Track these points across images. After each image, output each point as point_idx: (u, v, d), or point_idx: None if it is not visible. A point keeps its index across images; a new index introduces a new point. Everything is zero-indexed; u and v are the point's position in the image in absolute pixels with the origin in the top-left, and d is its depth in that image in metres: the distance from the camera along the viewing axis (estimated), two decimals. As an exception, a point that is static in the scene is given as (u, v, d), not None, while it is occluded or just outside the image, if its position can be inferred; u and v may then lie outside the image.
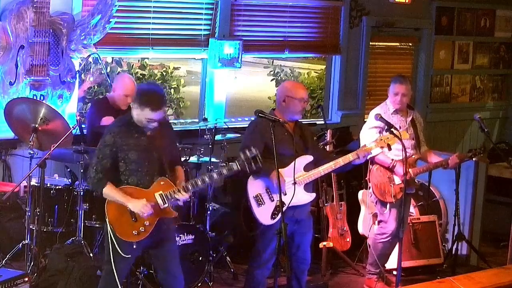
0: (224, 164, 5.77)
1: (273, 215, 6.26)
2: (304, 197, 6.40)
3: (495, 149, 8.69)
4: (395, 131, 6.60)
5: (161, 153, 5.70)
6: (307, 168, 6.39)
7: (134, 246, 5.65)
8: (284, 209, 6.02)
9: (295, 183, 6.24)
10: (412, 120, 7.39)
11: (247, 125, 6.67)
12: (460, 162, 7.50)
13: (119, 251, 5.60)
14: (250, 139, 6.34)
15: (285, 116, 6.42)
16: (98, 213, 6.84)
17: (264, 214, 6.27)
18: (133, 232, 5.62)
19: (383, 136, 6.66)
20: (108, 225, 5.65)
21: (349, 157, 6.46)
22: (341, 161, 6.44)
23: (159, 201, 5.63)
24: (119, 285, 5.63)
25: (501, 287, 6.38)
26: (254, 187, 6.30)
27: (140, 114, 5.59)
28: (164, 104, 5.67)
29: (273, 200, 6.27)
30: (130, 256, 5.67)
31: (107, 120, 7.14)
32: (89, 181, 5.72)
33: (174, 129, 8.39)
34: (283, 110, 6.43)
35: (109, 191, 5.61)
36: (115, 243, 5.61)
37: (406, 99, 7.33)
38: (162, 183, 5.67)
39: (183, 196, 5.67)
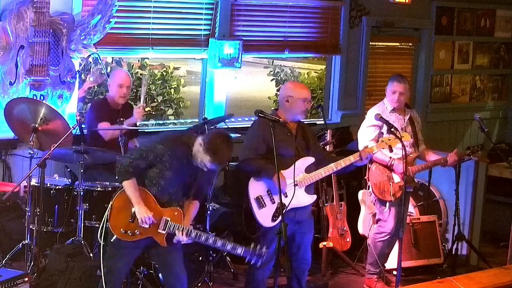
0: (232, 243, 5.74)
1: (274, 217, 6.26)
2: (305, 199, 6.40)
3: (495, 149, 8.70)
4: (396, 132, 6.60)
5: (193, 186, 5.74)
6: (309, 169, 6.39)
7: (113, 239, 5.64)
8: (285, 211, 6.02)
9: (296, 184, 6.24)
10: (410, 119, 7.40)
11: (247, 125, 6.67)
12: (458, 160, 7.51)
13: (113, 240, 5.63)
14: (252, 140, 6.34)
15: (288, 117, 6.41)
16: (98, 213, 6.83)
17: (265, 216, 6.27)
18: (122, 229, 5.64)
19: (384, 138, 6.67)
20: (107, 210, 5.67)
21: (351, 158, 6.45)
22: (342, 162, 6.44)
23: (161, 225, 5.65)
24: (120, 284, 5.63)
25: (501, 287, 6.38)
26: (255, 189, 6.29)
27: (200, 156, 5.57)
28: (227, 161, 5.63)
29: (274, 202, 6.26)
30: (123, 250, 5.67)
31: (104, 127, 7.15)
32: (118, 167, 5.66)
33: (174, 129, 8.47)
34: (286, 110, 6.43)
35: (129, 185, 5.62)
36: (106, 226, 5.66)
37: (404, 98, 7.34)
38: (175, 213, 5.69)
39: (182, 238, 5.67)
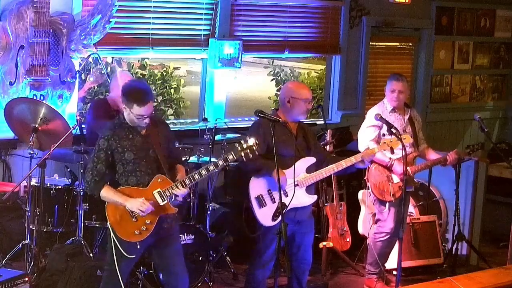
0: (222, 158, 5.74)
1: (274, 217, 6.25)
2: (305, 199, 6.40)
3: (495, 149, 8.69)
4: (396, 133, 6.60)
5: (158, 151, 5.69)
6: (310, 169, 6.39)
7: (138, 246, 5.64)
8: (285, 210, 6.01)
9: (296, 185, 6.24)
10: (410, 118, 7.40)
11: (247, 125, 6.67)
12: (458, 159, 7.51)
13: (123, 252, 5.60)
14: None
15: (289, 117, 6.41)
16: (98, 213, 6.84)
17: (265, 215, 6.27)
18: (135, 231, 5.62)
19: (386, 139, 6.66)
20: (110, 228, 5.65)
21: (352, 159, 6.45)
22: (343, 163, 6.44)
23: (158, 198, 5.63)
24: (122, 286, 5.63)
25: (501, 287, 6.38)
26: (256, 188, 6.29)
27: (130, 113, 5.59)
28: (150, 97, 5.62)
29: (274, 202, 6.26)
30: (134, 256, 5.67)
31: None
32: (86, 185, 5.72)
33: (174, 129, 8.45)
34: (287, 110, 6.42)
35: (106, 193, 5.62)
36: (118, 245, 5.61)
37: (403, 97, 7.34)
38: (159, 180, 5.66)
39: (181, 191, 5.65)
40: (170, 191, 5.64)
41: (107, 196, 5.63)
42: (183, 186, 5.66)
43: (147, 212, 5.57)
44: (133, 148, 5.63)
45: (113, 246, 5.62)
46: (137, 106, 5.54)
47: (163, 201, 5.64)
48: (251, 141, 5.69)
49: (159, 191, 5.64)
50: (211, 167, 5.70)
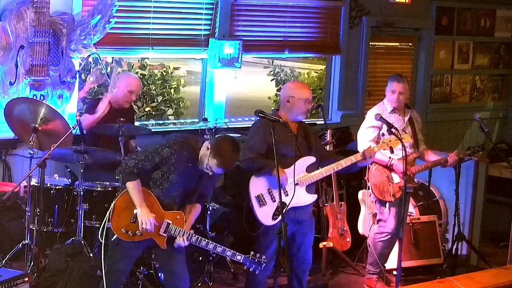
0: (231, 250, 5.77)
1: (274, 216, 6.26)
2: (305, 198, 6.40)
3: (495, 149, 8.69)
4: (396, 132, 6.60)
5: (196, 189, 5.73)
6: (310, 169, 6.39)
7: (118, 240, 5.64)
8: (285, 210, 6.02)
9: (296, 184, 6.24)
10: (410, 119, 7.40)
11: (247, 125, 6.67)
12: (459, 160, 7.51)
13: (106, 235, 5.63)
14: (253, 139, 6.34)
15: (289, 117, 6.42)
16: (98, 213, 6.84)
17: (265, 214, 6.27)
18: (123, 229, 5.64)
19: (385, 139, 6.67)
20: (109, 210, 5.66)
21: (352, 158, 6.46)
22: (343, 162, 6.44)
23: (163, 227, 5.65)
24: (121, 285, 5.62)
25: (501, 287, 6.38)
26: (256, 187, 6.30)
27: (206, 160, 5.55)
28: (233, 166, 5.63)
29: (274, 201, 6.26)
30: (109, 244, 5.67)
31: (84, 119, 7.14)
32: (123, 168, 5.64)
33: (174, 129, 8.47)
34: (287, 110, 6.43)
35: (133, 187, 5.60)
36: (106, 226, 5.65)
37: (403, 97, 7.34)
38: (177, 217, 5.69)
39: (181, 241, 5.67)
40: (176, 233, 5.66)
41: (131, 189, 5.61)
42: (187, 239, 5.67)
43: (146, 228, 5.58)
44: (182, 175, 5.64)
45: (104, 225, 5.64)
46: (216, 165, 5.52)
47: (164, 233, 5.66)
48: (258, 257, 5.72)
49: (169, 223, 5.65)
50: (218, 249, 5.72)
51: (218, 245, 5.73)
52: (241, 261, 5.71)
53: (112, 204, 5.69)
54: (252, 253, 5.71)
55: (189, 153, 5.63)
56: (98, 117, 7.29)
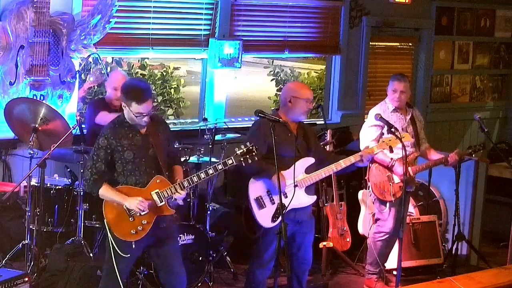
0: (221, 163, 5.75)
1: (274, 218, 6.25)
2: (305, 200, 6.39)
3: (495, 149, 8.69)
4: (396, 132, 6.60)
5: (157, 151, 5.68)
6: (310, 169, 6.39)
7: (133, 246, 5.64)
8: (284, 211, 6.01)
9: (295, 185, 6.24)
10: (411, 118, 7.40)
11: (247, 125, 6.67)
12: (460, 159, 7.52)
13: (118, 251, 5.60)
14: (253, 139, 6.33)
15: (290, 117, 6.41)
16: (98, 213, 6.81)
17: (265, 216, 6.27)
18: (131, 231, 5.62)
19: (385, 138, 6.67)
20: (106, 226, 5.65)
21: (351, 159, 6.45)
22: (342, 163, 6.44)
23: (156, 199, 5.62)
24: (121, 285, 5.63)
25: (501, 287, 6.38)
26: (255, 189, 6.29)
27: (129, 111, 5.58)
28: (149, 95, 5.61)
29: (274, 203, 6.26)
30: (129, 255, 5.66)
31: (102, 117, 7.15)
32: (85, 183, 5.72)
33: (174, 129, 8.46)
34: (288, 110, 6.42)
35: (105, 192, 5.61)
36: (114, 243, 5.61)
37: (405, 97, 7.34)
38: (158, 181, 5.66)
39: (179, 194, 5.65)
40: (169, 193, 5.64)
41: (105, 195, 5.62)
42: (181, 189, 5.66)
43: (145, 210, 5.57)
44: (133, 148, 5.63)
45: (110, 244, 5.63)
46: (135, 104, 5.54)
47: (161, 202, 5.63)
48: (251, 146, 5.69)
49: (157, 191, 5.63)
50: (210, 171, 5.70)
51: (208, 168, 5.70)
52: (234, 161, 5.68)
53: (105, 222, 5.67)
54: (236, 149, 5.69)
55: (119, 126, 5.64)
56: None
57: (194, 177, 5.70)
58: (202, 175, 5.70)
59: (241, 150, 5.69)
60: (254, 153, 5.70)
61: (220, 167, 5.71)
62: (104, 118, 7.10)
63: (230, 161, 5.70)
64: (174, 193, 5.64)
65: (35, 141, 6.84)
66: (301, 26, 9.55)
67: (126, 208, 5.59)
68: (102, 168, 5.61)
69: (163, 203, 5.64)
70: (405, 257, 7.43)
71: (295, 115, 6.42)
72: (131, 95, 5.57)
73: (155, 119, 5.75)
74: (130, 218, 5.62)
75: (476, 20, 11.39)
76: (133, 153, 5.63)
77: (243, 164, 5.72)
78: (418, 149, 7.39)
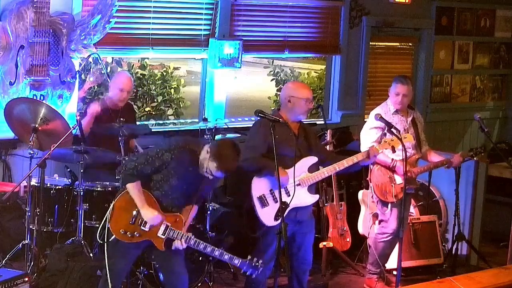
0: (229, 254, 5.77)
1: (276, 217, 6.25)
2: (307, 199, 6.40)
3: (495, 149, 8.69)
4: (397, 133, 6.60)
5: (196, 193, 5.73)
6: (312, 169, 6.39)
7: (117, 240, 5.63)
8: (287, 210, 6.02)
9: (297, 184, 6.24)
10: (412, 120, 7.40)
11: (247, 125, 6.67)
12: (463, 161, 7.53)
13: (104, 235, 5.62)
14: (253, 139, 6.34)
15: (290, 117, 6.41)
16: (98, 213, 6.84)
17: (267, 215, 6.27)
18: (121, 230, 5.63)
19: (387, 139, 6.67)
20: (109, 210, 5.65)
21: (354, 158, 6.46)
22: (345, 162, 6.44)
23: (161, 229, 5.65)
24: (110, 285, 5.62)
25: (501, 287, 6.38)
26: (258, 188, 6.30)
27: (206, 163, 5.54)
28: (233, 169, 5.59)
29: (276, 202, 6.26)
30: (108, 244, 5.64)
31: (93, 108, 7.13)
32: (123, 170, 5.65)
33: (174, 129, 8.46)
34: (288, 110, 6.42)
35: (133, 188, 5.60)
36: (105, 227, 5.64)
37: (407, 100, 7.34)
38: (177, 219, 5.70)
39: (179, 244, 5.67)
40: (174, 235, 5.66)
41: (132, 190, 5.60)
42: (185, 242, 5.68)
43: (151, 227, 5.59)
44: (183, 180, 5.63)
45: (104, 244, 5.64)
46: (216, 168, 5.48)
47: (162, 235, 5.66)
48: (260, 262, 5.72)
49: (168, 225, 5.65)
50: (216, 253, 5.71)
51: (216, 249, 5.72)
52: (238, 266, 5.72)
53: (112, 204, 5.69)
54: (249, 257, 5.71)
55: (189, 157, 5.62)
56: (88, 121, 7.24)
57: (201, 245, 5.70)
58: (209, 249, 5.69)
59: (251, 263, 5.69)
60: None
61: (226, 257, 5.71)
62: (86, 119, 7.13)
63: (236, 261, 5.71)
64: (177, 241, 5.66)
65: (35, 141, 6.84)
66: (301, 26, 9.54)
67: (136, 212, 5.60)
68: (147, 172, 5.61)
69: (163, 237, 5.66)
70: (405, 257, 7.43)
71: (294, 115, 6.42)
72: (221, 159, 5.48)
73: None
74: (131, 221, 5.62)
75: (476, 20, 11.39)
76: (179, 183, 5.64)
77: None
78: (419, 151, 7.39)
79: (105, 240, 5.66)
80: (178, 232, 5.65)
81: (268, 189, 6.29)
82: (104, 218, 5.67)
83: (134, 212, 5.61)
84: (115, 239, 5.66)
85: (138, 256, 5.96)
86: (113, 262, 5.69)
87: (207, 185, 5.81)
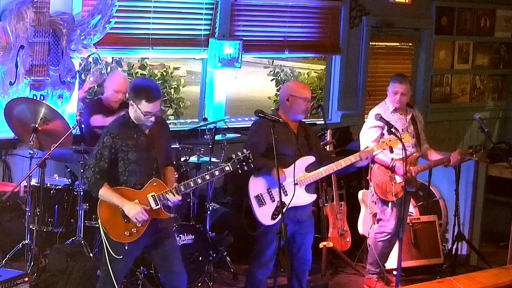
0: (218, 169, 5.76)
1: (273, 216, 6.26)
2: (305, 198, 6.40)
3: (495, 149, 8.69)
4: (396, 132, 6.60)
5: (158, 152, 5.69)
6: (310, 168, 6.39)
7: (126, 247, 5.60)
8: (285, 209, 6.02)
9: (296, 183, 6.25)
10: (412, 118, 7.40)
11: (247, 125, 6.67)
12: (461, 159, 7.52)
13: (111, 252, 5.58)
14: (253, 139, 6.34)
15: (289, 116, 6.41)
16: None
17: (265, 214, 6.27)
18: (125, 233, 5.60)
19: (385, 138, 6.67)
20: (100, 226, 5.63)
21: (351, 158, 6.46)
22: (342, 162, 6.44)
23: (152, 202, 5.61)
24: (116, 285, 5.61)
25: (501, 287, 6.38)
26: (256, 187, 6.30)
27: (137, 109, 5.56)
28: (159, 95, 5.63)
29: (274, 201, 6.26)
30: (121, 257, 5.62)
31: (95, 120, 7.15)
32: (86, 182, 5.68)
33: (174, 129, 8.45)
34: (286, 110, 6.43)
35: (105, 192, 5.58)
36: (107, 244, 5.59)
37: (406, 98, 7.34)
38: (154, 184, 5.65)
39: (174, 198, 5.64)
40: (164, 196, 5.64)
41: (105, 195, 5.59)
42: (177, 193, 5.66)
43: (142, 222, 5.56)
44: (137, 149, 5.62)
45: (104, 247, 5.62)
46: (145, 102, 5.53)
47: (156, 205, 5.62)
48: (248, 153, 5.71)
49: (154, 195, 5.62)
50: (207, 176, 5.71)
51: (205, 173, 5.71)
52: (231, 168, 5.70)
53: (99, 223, 5.63)
54: (233, 155, 5.70)
55: (125, 126, 5.62)
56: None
57: (191, 182, 5.70)
58: (199, 180, 5.71)
59: (238, 157, 5.70)
60: (250, 161, 5.71)
61: (217, 173, 5.72)
62: (98, 120, 7.12)
63: (227, 168, 5.71)
64: (170, 197, 5.63)
65: (35, 141, 6.84)
66: (301, 26, 9.55)
67: (122, 210, 5.59)
68: (104, 167, 5.59)
69: (159, 206, 5.63)
70: (405, 257, 7.43)
71: (293, 114, 6.42)
72: (142, 93, 5.55)
73: (158, 120, 5.75)
74: (125, 220, 5.59)
75: (476, 20, 11.39)
76: (137, 154, 5.62)
77: (240, 171, 5.73)
78: (419, 149, 7.39)
79: (106, 246, 5.62)
80: (165, 192, 5.63)
81: (265, 188, 6.29)
82: (102, 234, 5.63)
83: (120, 209, 5.57)
84: (114, 242, 5.63)
85: (138, 256, 5.95)
86: (113, 263, 5.65)
87: (164, 140, 5.77)
